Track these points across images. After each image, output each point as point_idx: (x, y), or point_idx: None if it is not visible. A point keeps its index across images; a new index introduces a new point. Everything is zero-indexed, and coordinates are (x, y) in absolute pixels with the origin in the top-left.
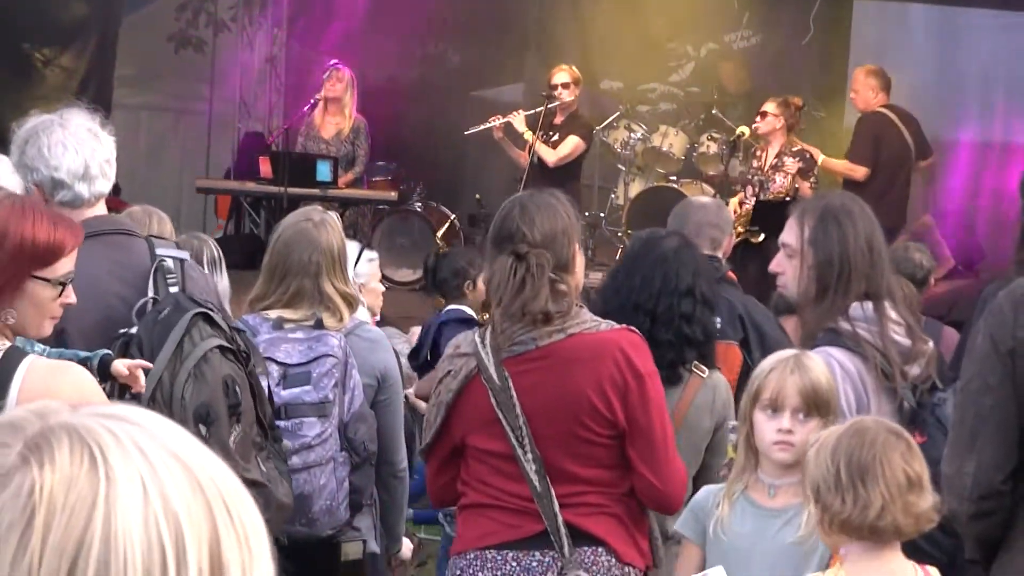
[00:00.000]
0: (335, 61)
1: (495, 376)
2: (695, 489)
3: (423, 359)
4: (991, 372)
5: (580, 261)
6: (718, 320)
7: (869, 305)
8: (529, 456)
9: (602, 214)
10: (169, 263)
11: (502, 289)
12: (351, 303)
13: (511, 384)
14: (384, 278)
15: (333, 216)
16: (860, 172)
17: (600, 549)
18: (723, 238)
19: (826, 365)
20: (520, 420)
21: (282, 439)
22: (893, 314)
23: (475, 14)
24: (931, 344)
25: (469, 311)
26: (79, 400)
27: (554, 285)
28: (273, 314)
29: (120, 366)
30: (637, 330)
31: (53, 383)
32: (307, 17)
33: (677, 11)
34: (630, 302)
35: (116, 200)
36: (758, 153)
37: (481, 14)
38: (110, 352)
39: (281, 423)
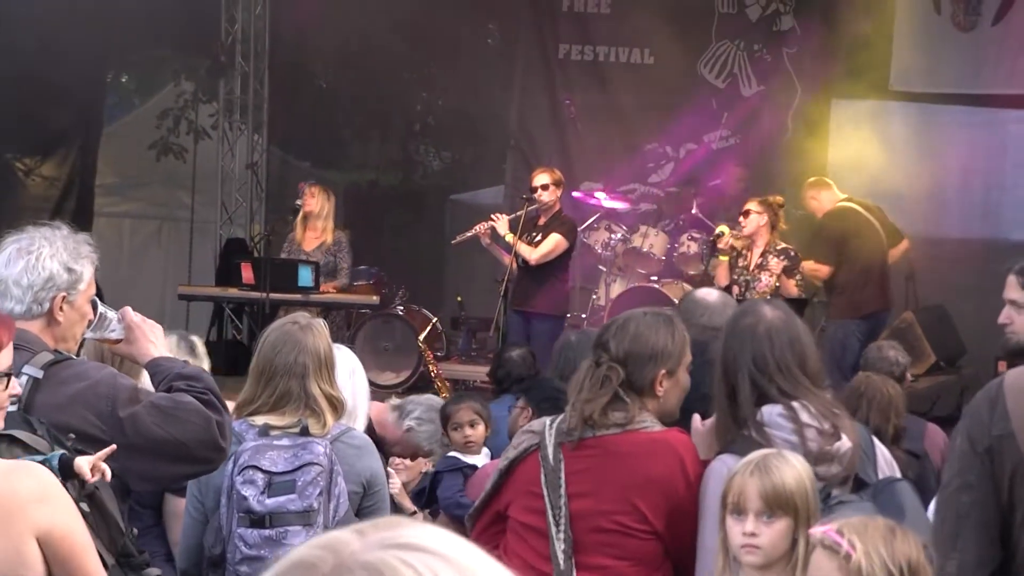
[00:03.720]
0: (312, 182)
1: (551, 456)
2: None
3: (424, 501)
4: (969, 471)
5: (671, 386)
6: None
7: (776, 408)
8: (562, 536)
9: (583, 315)
10: (17, 381)
11: (573, 386)
12: (336, 407)
13: (563, 466)
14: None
15: (320, 321)
16: (823, 271)
17: None
18: None
19: (800, 465)
20: (562, 500)
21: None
22: (805, 416)
23: (455, 118)
24: (847, 444)
25: (461, 457)
26: (43, 497)
27: (616, 398)
28: (259, 420)
29: (84, 464)
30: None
31: (16, 482)
32: (287, 123)
33: (656, 112)
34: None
35: None
36: (744, 253)
37: (461, 118)
38: (66, 452)
39: (265, 531)
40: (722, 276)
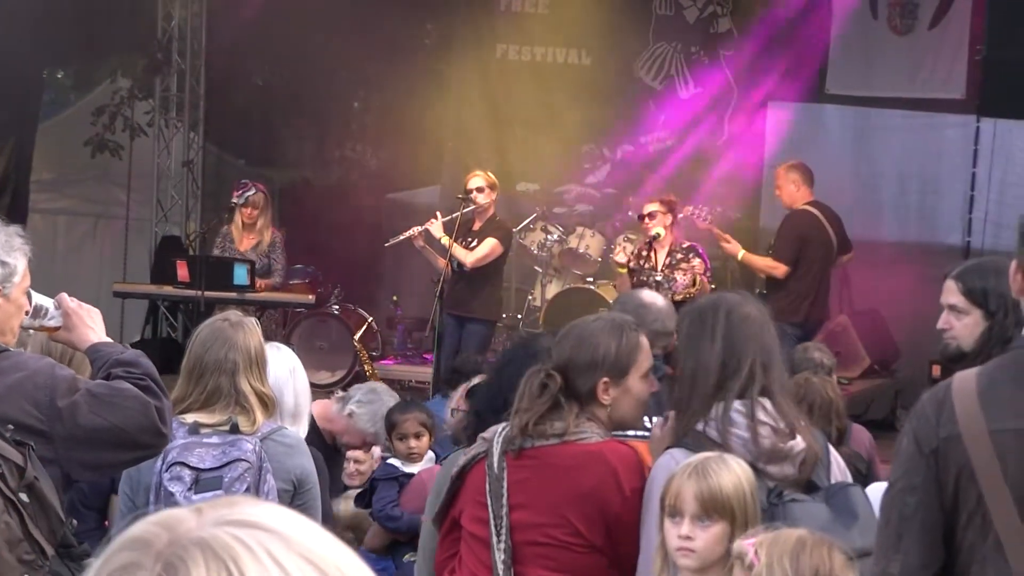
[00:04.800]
0: (246, 182)
1: (496, 464)
2: None
3: (366, 502)
4: (915, 473)
5: (619, 394)
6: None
7: (733, 404)
8: (502, 545)
9: (519, 316)
10: None
11: (517, 394)
12: (267, 404)
13: (505, 475)
14: None
15: (251, 319)
16: (780, 270)
17: None
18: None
19: (740, 469)
20: (503, 510)
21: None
22: (762, 414)
23: (392, 117)
24: (800, 444)
25: (399, 465)
26: None
27: (556, 407)
28: (189, 418)
29: None
30: (627, 443)
31: None
32: (223, 121)
33: (593, 113)
34: (500, 400)
35: None
36: (645, 253)
37: (398, 118)
38: None
39: None
40: (624, 285)
